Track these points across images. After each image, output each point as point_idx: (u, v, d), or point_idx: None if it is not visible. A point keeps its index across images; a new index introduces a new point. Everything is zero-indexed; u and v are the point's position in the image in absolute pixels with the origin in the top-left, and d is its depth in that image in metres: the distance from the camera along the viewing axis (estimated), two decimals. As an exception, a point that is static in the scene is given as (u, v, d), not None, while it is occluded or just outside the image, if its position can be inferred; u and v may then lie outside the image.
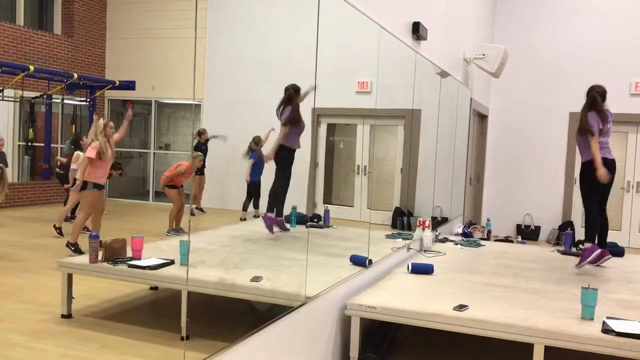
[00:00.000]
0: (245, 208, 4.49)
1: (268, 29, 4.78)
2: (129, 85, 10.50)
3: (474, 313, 3.65)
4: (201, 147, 5.41)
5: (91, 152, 5.66)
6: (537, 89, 10.04)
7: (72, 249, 5.48)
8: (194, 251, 3.18)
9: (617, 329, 3.32)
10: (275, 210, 4.06)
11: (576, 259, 5.83)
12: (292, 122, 3.97)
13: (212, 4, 4.93)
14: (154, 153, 11.41)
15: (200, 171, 5.15)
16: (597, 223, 5.36)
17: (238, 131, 4.88)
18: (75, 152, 7.02)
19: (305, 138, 4.44)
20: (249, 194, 4.49)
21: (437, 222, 6.87)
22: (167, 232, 5.83)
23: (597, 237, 5.37)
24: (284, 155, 4.04)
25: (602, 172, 5.12)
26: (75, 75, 9.91)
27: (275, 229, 4.11)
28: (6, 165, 7.67)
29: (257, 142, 4.35)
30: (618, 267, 5.44)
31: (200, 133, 5.45)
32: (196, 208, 5.00)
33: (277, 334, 3.12)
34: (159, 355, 3.08)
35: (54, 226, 6.52)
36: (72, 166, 6.85)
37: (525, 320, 3.52)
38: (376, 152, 5.79)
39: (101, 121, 5.83)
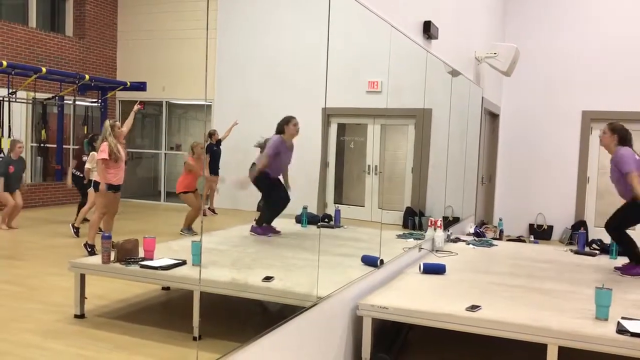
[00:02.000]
0: (259, 209, 4.50)
1: (278, 29, 4.78)
2: (140, 86, 10.54)
3: (486, 313, 3.63)
4: (212, 148, 5.42)
5: (102, 154, 5.76)
6: (549, 87, 9.97)
7: (89, 250, 5.54)
8: (205, 251, 3.19)
9: (632, 330, 3.28)
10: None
11: (590, 258, 5.78)
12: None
13: (223, 4, 4.93)
14: (165, 154, 11.46)
15: (214, 172, 5.15)
16: (632, 242, 5.11)
17: (249, 132, 4.88)
18: (91, 153, 7.17)
19: (315, 138, 4.43)
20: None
21: (449, 222, 6.84)
22: (181, 231, 5.86)
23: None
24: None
25: None
26: (87, 76, 9.96)
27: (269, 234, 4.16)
28: (24, 170, 7.87)
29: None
30: (632, 266, 5.38)
31: (211, 134, 5.47)
32: (208, 209, 5.01)
33: (289, 335, 3.12)
34: (172, 355, 3.09)
35: (72, 225, 6.61)
36: (87, 165, 6.96)
37: (538, 320, 3.49)
38: (387, 151, 5.78)
39: (107, 122, 5.92)
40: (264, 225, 4.14)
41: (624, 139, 4.95)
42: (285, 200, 4.17)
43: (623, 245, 5.16)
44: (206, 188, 5.36)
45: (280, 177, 4.14)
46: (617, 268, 5.16)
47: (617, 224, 5.12)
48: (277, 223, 4.19)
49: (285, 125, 4.00)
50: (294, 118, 4.00)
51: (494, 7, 9.18)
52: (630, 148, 4.94)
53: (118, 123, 5.92)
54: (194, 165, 6.14)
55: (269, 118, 4.38)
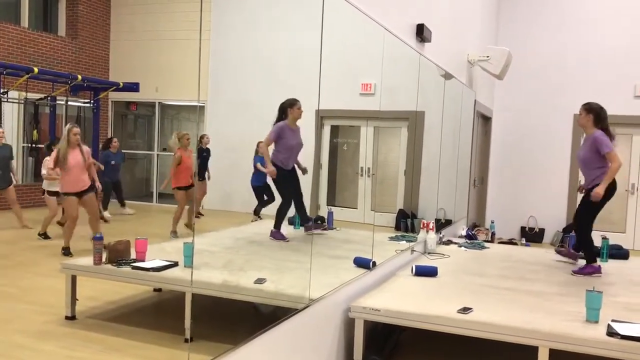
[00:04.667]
0: (255, 212, 4.50)
1: (272, 30, 4.78)
2: (133, 87, 10.49)
3: (478, 316, 3.64)
4: (202, 152, 5.42)
5: (49, 162, 5.65)
6: (541, 91, 10.02)
7: (64, 252, 5.54)
8: (197, 253, 3.18)
9: (621, 332, 3.31)
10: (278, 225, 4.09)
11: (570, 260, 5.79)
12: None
13: (216, 5, 4.93)
14: (158, 155, 11.42)
15: (201, 176, 5.14)
16: (593, 243, 5.26)
17: (241, 133, 4.88)
18: (45, 158, 7.15)
19: (308, 140, 4.43)
20: (257, 198, 4.50)
21: (441, 224, 6.85)
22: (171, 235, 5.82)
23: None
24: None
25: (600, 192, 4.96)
26: (80, 77, 9.89)
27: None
28: (11, 158, 7.68)
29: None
30: (623, 269, 5.42)
31: (201, 138, 5.47)
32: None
33: (281, 336, 3.12)
34: (163, 357, 3.08)
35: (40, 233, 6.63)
36: (42, 171, 6.92)
37: (529, 323, 3.51)
38: (380, 154, 5.78)
39: (67, 126, 5.81)
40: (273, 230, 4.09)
41: (599, 117, 5.11)
42: (297, 195, 4.10)
43: (584, 244, 5.25)
44: (197, 191, 5.35)
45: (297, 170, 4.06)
46: (574, 272, 5.21)
47: (581, 221, 5.25)
48: (269, 224, 4.18)
49: (289, 108, 3.92)
50: (298, 101, 3.93)
51: (487, 10, 9.22)
52: (604, 131, 5.08)
53: (75, 129, 5.78)
54: (178, 157, 6.03)
55: (262, 119, 4.38)
